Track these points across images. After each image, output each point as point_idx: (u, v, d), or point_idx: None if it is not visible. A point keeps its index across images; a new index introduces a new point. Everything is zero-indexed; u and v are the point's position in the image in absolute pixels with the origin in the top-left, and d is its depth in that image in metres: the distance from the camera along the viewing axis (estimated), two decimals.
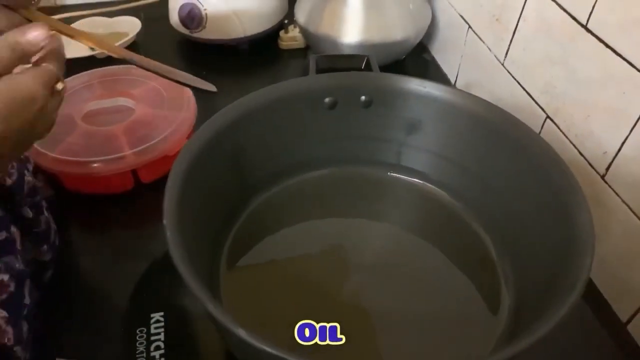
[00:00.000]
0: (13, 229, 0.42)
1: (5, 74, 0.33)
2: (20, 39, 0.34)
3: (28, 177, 0.47)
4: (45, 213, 0.49)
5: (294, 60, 0.86)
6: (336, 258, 0.50)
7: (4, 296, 0.39)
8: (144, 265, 0.52)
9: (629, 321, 0.51)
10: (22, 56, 0.34)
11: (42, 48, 0.35)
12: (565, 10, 0.55)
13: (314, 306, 0.46)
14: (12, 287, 0.40)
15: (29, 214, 0.46)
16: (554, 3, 0.56)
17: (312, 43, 0.85)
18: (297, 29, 0.87)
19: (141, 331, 0.45)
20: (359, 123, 0.54)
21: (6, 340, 0.39)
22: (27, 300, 0.42)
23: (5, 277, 0.40)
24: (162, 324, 0.46)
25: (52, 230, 0.50)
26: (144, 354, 0.44)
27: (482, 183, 0.51)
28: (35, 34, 0.34)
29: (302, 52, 0.88)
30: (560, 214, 0.41)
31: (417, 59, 0.89)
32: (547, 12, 0.58)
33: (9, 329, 0.39)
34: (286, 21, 0.88)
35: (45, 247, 0.48)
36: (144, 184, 0.60)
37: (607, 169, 0.52)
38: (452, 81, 0.84)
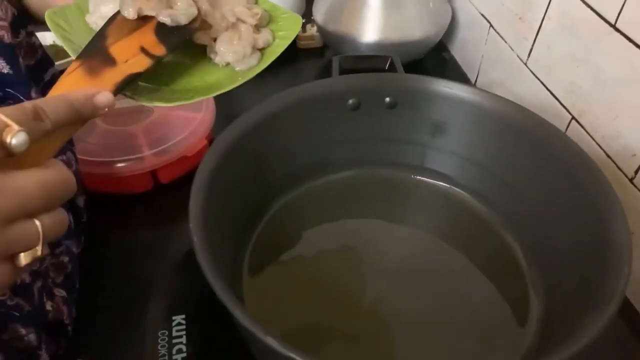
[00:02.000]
0: (70, 215, 0.45)
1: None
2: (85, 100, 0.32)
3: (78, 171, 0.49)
4: (83, 206, 0.51)
5: (312, 60, 0.86)
6: (358, 262, 0.49)
7: (63, 277, 0.42)
8: (164, 266, 0.51)
9: None
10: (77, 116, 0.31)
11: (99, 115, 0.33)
12: (592, 9, 0.53)
13: (336, 310, 0.46)
14: (69, 269, 0.44)
15: (81, 203, 0.49)
16: (580, 1, 0.55)
17: (330, 42, 0.84)
18: (315, 28, 0.86)
19: (163, 334, 0.45)
20: (383, 125, 0.53)
21: (64, 319, 0.41)
22: (77, 284, 0.46)
23: (66, 259, 0.44)
24: (184, 326, 0.45)
25: (86, 224, 0.52)
26: (166, 357, 0.43)
27: (510, 187, 0.50)
28: (103, 100, 0.32)
29: (320, 52, 0.87)
30: (593, 219, 0.40)
31: (436, 58, 0.88)
32: (573, 11, 0.57)
33: (65, 308, 0.42)
34: (304, 20, 0.88)
35: (83, 238, 0.50)
36: (162, 184, 0.59)
37: (636, 172, 0.51)
38: (472, 81, 0.83)
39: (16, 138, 0.25)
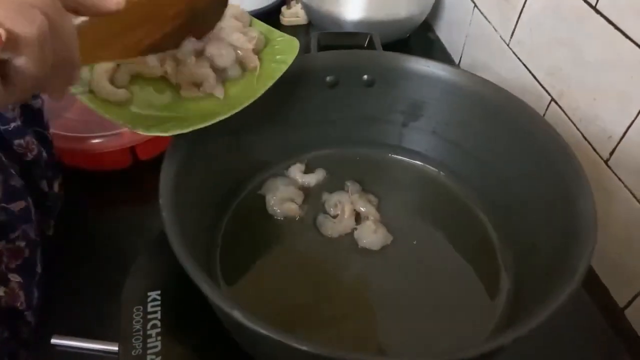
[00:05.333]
0: (29, 199, 0.44)
1: None
2: None
3: (44, 154, 0.48)
4: (57, 189, 0.51)
5: (296, 37, 0.85)
6: (334, 240, 0.49)
7: (19, 262, 0.42)
8: (141, 243, 0.51)
9: (626, 306, 0.51)
10: None
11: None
12: None
13: (311, 287, 0.46)
14: (26, 254, 0.43)
15: (45, 187, 0.48)
16: None
17: (314, 19, 0.84)
18: (299, 5, 0.85)
19: (138, 309, 0.45)
20: (361, 103, 0.53)
21: (18, 305, 0.41)
22: (39, 269, 0.45)
23: (22, 244, 0.43)
24: (159, 302, 0.45)
25: (58, 207, 0.51)
26: (141, 332, 0.43)
27: (485, 166, 0.50)
28: None
29: (304, 29, 0.87)
30: (563, 199, 0.40)
31: (421, 38, 0.87)
32: None
33: (22, 294, 0.41)
34: None
35: (52, 221, 0.50)
36: (142, 161, 0.59)
37: (611, 153, 0.51)
38: (456, 61, 0.83)
39: None
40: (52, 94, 0.29)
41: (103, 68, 0.42)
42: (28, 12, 0.24)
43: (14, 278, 0.42)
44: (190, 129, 0.41)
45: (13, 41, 0.23)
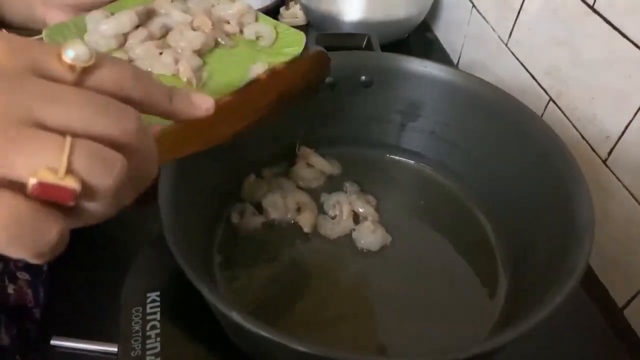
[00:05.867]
0: None
1: None
2: None
3: None
4: None
5: None
6: (333, 241, 0.50)
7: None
8: (140, 244, 0.51)
9: (625, 306, 0.51)
10: None
11: None
12: None
13: (309, 288, 0.46)
14: None
15: None
16: None
17: (313, 20, 0.84)
18: (298, 6, 0.85)
19: (137, 310, 0.45)
20: (359, 103, 0.53)
21: (27, 302, 0.41)
22: (45, 267, 0.45)
23: None
24: (158, 303, 0.45)
25: None
26: (140, 333, 0.43)
27: (483, 166, 0.51)
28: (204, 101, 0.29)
29: (303, 30, 0.86)
30: (560, 198, 0.40)
31: (420, 38, 0.88)
32: None
33: (30, 292, 0.41)
34: None
35: None
36: None
37: (609, 153, 0.51)
38: (455, 61, 0.83)
39: (72, 49, 0.22)
40: (126, 203, 0.26)
41: None
42: (109, 160, 0.21)
43: (22, 276, 0.42)
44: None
45: (87, 193, 0.21)
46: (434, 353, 0.40)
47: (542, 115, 0.60)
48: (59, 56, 0.22)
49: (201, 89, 0.46)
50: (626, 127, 0.49)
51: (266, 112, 0.39)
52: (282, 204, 0.50)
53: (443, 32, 0.88)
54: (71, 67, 0.22)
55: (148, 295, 0.46)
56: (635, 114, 0.48)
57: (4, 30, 0.35)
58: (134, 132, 0.23)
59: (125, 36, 0.47)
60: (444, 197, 0.54)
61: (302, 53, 0.46)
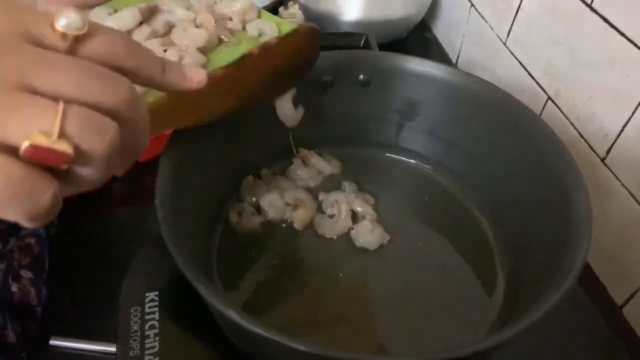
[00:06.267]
0: None
1: None
2: None
3: None
4: None
5: None
6: (332, 240, 0.50)
7: (29, 258, 0.42)
8: (139, 244, 0.51)
9: (624, 304, 0.51)
10: None
11: None
12: None
13: (308, 287, 0.46)
14: (36, 251, 0.44)
15: None
16: None
17: (311, 19, 0.84)
18: (297, 5, 0.85)
19: (136, 310, 0.45)
20: (357, 103, 0.53)
21: (31, 300, 0.41)
22: (46, 266, 0.45)
23: (32, 241, 0.44)
24: (157, 303, 0.46)
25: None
26: (139, 333, 0.43)
27: (482, 165, 0.51)
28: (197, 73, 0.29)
29: None
30: (558, 197, 0.41)
31: (418, 37, 0.88)
32: None
33: (32, 290, 0.41)
34: None
35: (55, 220, 0.50)
36: (140, 162, 0.59)
37: (608, 152, 0.51)
38: (454, 61, 0.83)
39: (65, 16, 0.22)
40: (118, 173, 0.27)
41: None
42: (100, 124, 0.22)
43: (26, 274, 0.42)
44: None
45: (80, 157, 0.21)
46: (432, 351, 0.40)
47: (540, 114, 0.60)
48: (52, 24, 0.22)
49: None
50: (624, 126, 0.49)
51: (259, 88, 0.39)
52: (280, 204, 0.50)
53: (441, 32, 0.88)
54: (63, 36, 0.22)
55: (147, 295, 0.46)
56: (634, 112, 0.48)
57: None
58: (126, 101, 0.23)
59: (129, 33, 0.47)
60: (442, 196, 0.54)
61: (294, 29, 0.45)
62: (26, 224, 0.22)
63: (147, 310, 0.45)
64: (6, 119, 0.20)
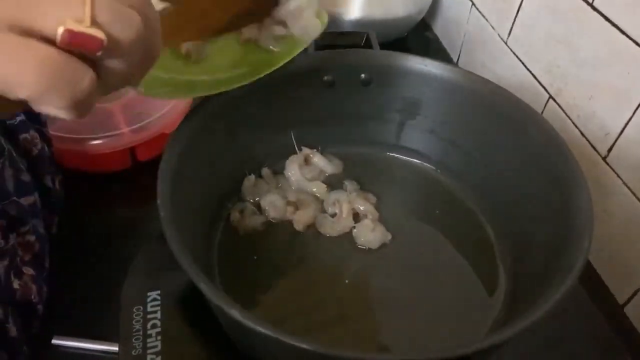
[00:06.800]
0: (36, 195, 0.45)
1: None
2: None
3: (47, 150, 0.49)
4: (58, 187, 0.51)
5: None
6: (333, 240, 0.50)
7: (30, 256, 0.42)
8: (141, 243, 0.51)
9: (626, 303, 0.51)
10: None
11: None
12: None
13: (309, 286, 0.46)
14: (36, 249, 0.44)
15: (49, 183, 0.49)
16: None
17: None
18: None
19: (138, 309, 0.45)
20: (358, 102, 0.53)
21: (32, 298, 0.41)
22: (47, 264, 0.45)
23: (32, 238, 0.44)
24: (159, 302, 0.46)
25: (61, 204, 0.52)
26: (141, 332, 0.44)
27: (483, 164, 0.51)
28: None
29: None
30: (559, 196, 0.41)
31: (419, 36, 0.87)
32: None
33: (34, 287, 0.42)
34: None
35: (56, 219, 0.50)
36: (141, 162, 0.59)
37: (609, 150, 0.51)
38: (455, 60, 0.83)
39: None
40: (133, 83, 0.28)
41: None
42: (128, 15, 0.23)
43: (27, 271, 0.42)
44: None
45: (112, 45, 0.22)
46: (433, 350, 0.40)
47: (541, 113, 0.60)
48: None
49: (199, 64, 0.45)
50: (626, 124, 0.49)
51: (248, 5, 0.40)
52: (281, 204, 0.50)
53: (442, 31, 0.88)
54: None
55: (149, 294, 0.46)
56: (635, 111, 0.48)
57: None
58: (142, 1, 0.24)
59: None
60: (444, 195, 0.54)
61: None
62: (67, 113, 0.22)
63: (149, 309, 0.45)
64: (38, 6, 0.21)
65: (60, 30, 0.21)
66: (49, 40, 0.21)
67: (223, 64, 0.46)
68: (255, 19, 0.43)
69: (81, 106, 0.22)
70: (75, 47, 0.21)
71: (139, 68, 0.26)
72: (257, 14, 0.42)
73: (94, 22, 0.21)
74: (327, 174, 0.54)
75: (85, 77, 0.22)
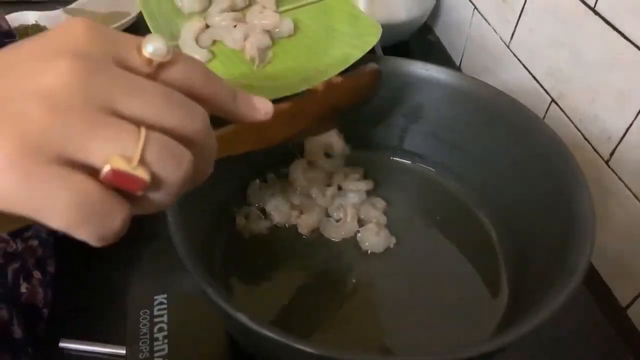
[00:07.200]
0: None
1: None
2: None
3: None
4: None
5: None
6: (337, 243, 0.50)
7: (34, 260, 0.42)
8: (147, 247, 0.52)
9: (628, 306, 0.52)
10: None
11: None
12: None
13: (314, 290, 0.46)
14: (39, 253, 0.44)
15: None
16: None
17: None
18: None
19: (144, 313, 0.46)
20: (361, 106, 0.53)
21: (38, 301, 0.41)
22: (51, 268, 0.46)
23: (35, 243, 0.44)
24: (165, 305, 0.46)
25: None
26: (148, 335, 0.44)
27: (485, 168, 0.51)
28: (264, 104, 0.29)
29: None
30: (561, 199, 0.41)
31: (421, 40, 0.88)
32: None
33: (41, 291, 0.42)
34: None
35: None
36: None
37: (612, 154, 0.52)
38: (457, 63, 0.83)
39: (152, 44, 0.23)
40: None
41: (191, 28, 0.44)
42: (178, 153, 0.22)
43: (37, 275, 0.43)
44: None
45: (155, 185, 0.22)
46: (437, 353, 0.40)
47: (544, 116, 0.61)
48: (139, 49, 0.23)
49: (262, 69, 0.45)
50: (628, 128, 0.49)
51: (316, 121, 0.40)
52: (285, 208, 0.51)
53: (445, 34, 0.88)
54: (149, 61, 0.23)
55: (155, 297, 0.46)
56: (637, 114, 0.48)
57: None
58: (202, 130, 0.23)
59: (210, 0, 0.47)
60: (447, 199, 0.54)
61: (357, 69, 0.45)
62: (94, 243, 0.21)
63: (155, 312, 0.45)
64: (90, 138, 0.20)
65: (107, 168, 0.20)
66: (93, 170, 0.21)
67: (284, 70, 0.46)
68: (324, 130, 0.43)
69: (110, 239, 0.21)
70: (116, 185, 0.21)
71: (178, 194, 0.24)
72: (319, 131, 0.43)
73: (142, 161, 0.21)
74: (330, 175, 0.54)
75: (120, 215, 0.21)
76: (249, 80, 0.44)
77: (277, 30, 0.47)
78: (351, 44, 0.47)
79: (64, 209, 0.20)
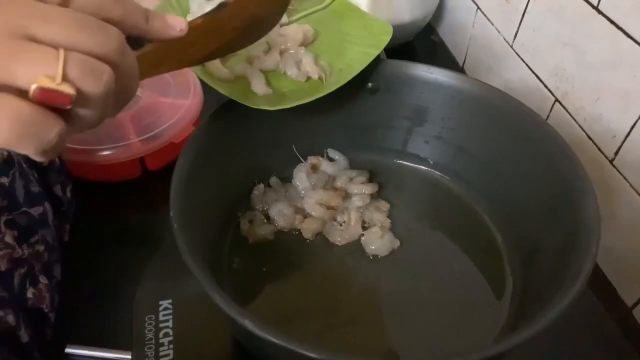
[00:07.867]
0: (47, 205, 0.45)
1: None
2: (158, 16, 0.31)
3: (57, 160, 0.51)
4: (69, 195, 0.52)
5: None
6: (341, 246, 0.50)
7: (40, 265, 0.42)
8: (152, 252, 0.52)
9: (634, 305, 0.51)
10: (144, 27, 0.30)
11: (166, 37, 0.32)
12: None
13: (320, 294, 0.46)
14: (45, 258, 0.45)
15: (59, 192, 0.50)
16: None
17: None
18: None
19: (150, 318, 0.46)
20: (365, 110, 0.54)
21: (44, 306, 0.42)
22: (57, 273, 0.46)
23: (41, 248, 0.44)
24: (171, 311, 0.46)
25: (72, 211, 0.52)
26: (153, 341, 0.44)
27: (489, 170, 0.51)
28: (177, 22, 0.31)
29: None
30: (566, 201, 0.41)
31: (425, 40, 0.88)
32: None
33: (47, 296, 0.43)
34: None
35: (67, 226, 0.51)
36: (151, 171, 0.60)
37: (616, 153, 0.51)
38: (460, 64, 0.83)
39: None
40: (107, 118, 0.29)
41: None
42: (98, 69, 0.24)
43: (43, 280, 0.43)
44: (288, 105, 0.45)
45: (82, 99, 0.24)
46: (443, 356, 0.40)
47: (548, 116, 0.61)
48: None
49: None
50: (632, 127, 0.49)
51: (235, 35, 0.40)
52: (289, 213, 0.51)
53: (448, 35, 0.88)
54: None
55: (160, 302, 0.46)
56: None
57: None
58: (117, 49, 0.25)
59: None
60: (451, 201, 0.54)
61: None
62: (36, 158, 0.24)
63: (161, 318, 0.45)
64: (14, 64, 0.22)
65: (33, 87, 0.22)
66: (24, 93, 0.23)
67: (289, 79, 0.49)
68: (247, 43, 0.44)
69: (49, 152, 0.24)
70: (46, 102, 0.23)
71: (112, 109, 0.27)
72: (244, 44, 0.43)
73: (65, 78, 0.23)
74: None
75: (54, 129, 0.23)
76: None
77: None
78: (367, 43, 0.51)
79: (3, 125, 0.22)
